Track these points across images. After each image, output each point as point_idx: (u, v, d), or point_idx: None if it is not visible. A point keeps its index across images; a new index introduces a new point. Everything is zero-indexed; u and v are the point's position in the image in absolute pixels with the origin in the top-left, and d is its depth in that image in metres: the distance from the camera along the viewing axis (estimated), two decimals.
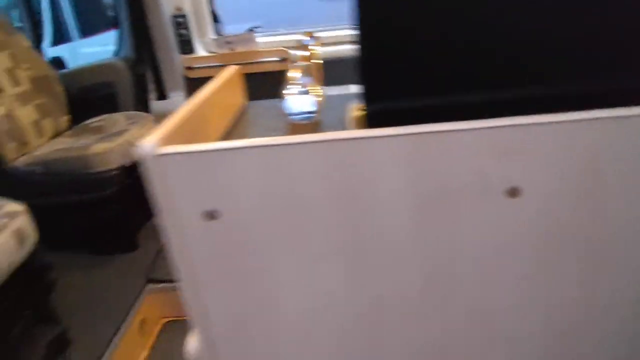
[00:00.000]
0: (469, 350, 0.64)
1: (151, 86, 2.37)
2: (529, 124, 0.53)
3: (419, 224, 0.56)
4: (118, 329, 1.56)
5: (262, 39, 2.39)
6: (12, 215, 1.27)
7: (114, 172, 1.81)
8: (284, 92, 0.70)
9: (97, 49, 4.28)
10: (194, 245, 0.54)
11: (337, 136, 0.50)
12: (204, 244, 0.54)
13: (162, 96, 2.38)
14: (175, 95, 2.39)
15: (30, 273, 1.31)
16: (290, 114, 0.68)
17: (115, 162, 1.81)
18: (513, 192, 0.55)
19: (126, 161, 1.86)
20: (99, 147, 1.78)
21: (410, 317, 0.62)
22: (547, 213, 0.56)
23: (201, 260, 0.55)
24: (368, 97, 0.53)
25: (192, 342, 0.69)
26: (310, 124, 0.68)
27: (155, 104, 2.38)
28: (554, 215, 0.56)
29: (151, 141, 0.50)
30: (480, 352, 0.66)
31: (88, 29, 4.12)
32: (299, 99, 0.66)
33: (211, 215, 0.52)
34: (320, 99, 0.68)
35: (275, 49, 2.35)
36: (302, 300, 0.59)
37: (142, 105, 2.35)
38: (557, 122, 0.53)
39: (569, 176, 0.54)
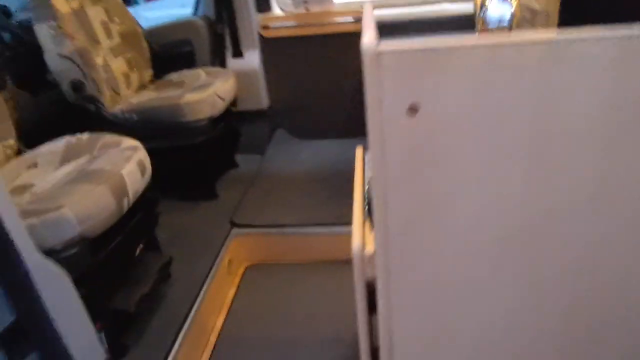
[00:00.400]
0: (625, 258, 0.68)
1: (228, 44, 2.44)
2: None
3: (609, 134, 0.59)
4: (211, 266, 1.68)
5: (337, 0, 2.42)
6: (133, 149, 1.38)
7: (203, 122, 1.91)
8: (484, 3, 0.75)
9: (159, 14, 4.40)
10: (392, 138, 0.60)
11: (545, 37, 0.55)
12: (402, 138, 0.60)
13: (237, 54, 2.45)
14: (250, 54, 2.46)
15: (144, 204, 1.42)
16: (491, 22, 0.72)
17: (205, 112, 1.90)
18: None
19: (214, 112, 1.96)
20: (191, 97, 1.87)
21: (576, 226, 0.66)
22: None
23: (396, 154, 0.61)
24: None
25: (357, 241, 0.77)
26: (507, 28, 0.73)
27: (231, 61, 2.46)
28: None
29: (372, 38, 0.56)
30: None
31: None
32: (499, 7, 0.71)
33: (414, 109, 0.58)
34: (517, 7, 0.73)
35: (350, 10, 2.37)
36: (477, 203, 0.65)
37: (219, 62, 2.43)
38: None
39: None
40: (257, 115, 2.56)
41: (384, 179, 0.64)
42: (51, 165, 1.36)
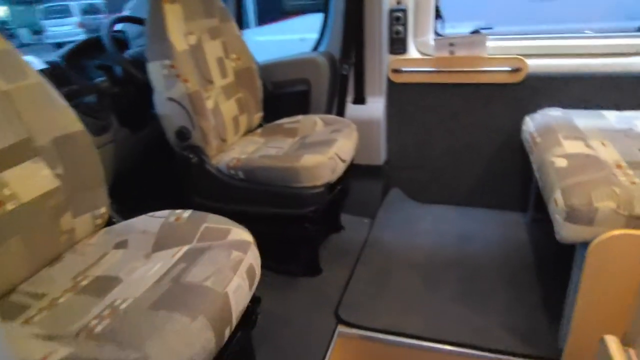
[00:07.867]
0: None
1: (350, 87, 2.10)
2: None
3: None
4: None
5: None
6: (244, 248, 1.05)
7: (318, 189, 1.57)
8: None
9: (270, 38, 4.27)
10: None
11: None
12: None
13: (359, 100, 2.10)
14: (374, 101, 2.10)
15: (243, 318, 1.09)
16: None
17: (323, 177, 1.56)
18: None
19: (332, 177, 1.61)
20: (311, 160, 1.54)
21: None
22: None
23: None
24: None
25: None
26: None
27: (350, 108, 2.12)
28: None
29: None
30: None
31: (264, 18, 4.13)
32: None
33: None
34: None
35: (507, 57, 1.92)
36: None
37: (337, 108, 2.10)
38: None
39: None
40: (369, 171, 2.18)
41: None
42: (141, 250, 1.08)
